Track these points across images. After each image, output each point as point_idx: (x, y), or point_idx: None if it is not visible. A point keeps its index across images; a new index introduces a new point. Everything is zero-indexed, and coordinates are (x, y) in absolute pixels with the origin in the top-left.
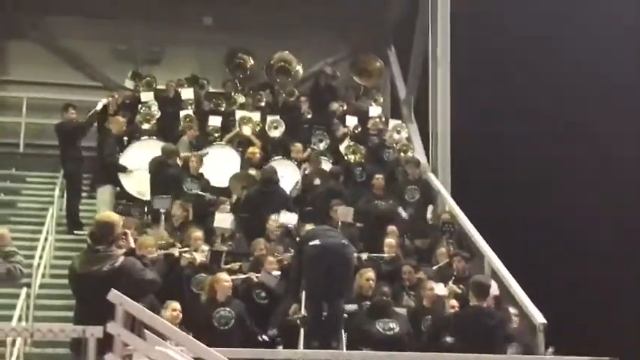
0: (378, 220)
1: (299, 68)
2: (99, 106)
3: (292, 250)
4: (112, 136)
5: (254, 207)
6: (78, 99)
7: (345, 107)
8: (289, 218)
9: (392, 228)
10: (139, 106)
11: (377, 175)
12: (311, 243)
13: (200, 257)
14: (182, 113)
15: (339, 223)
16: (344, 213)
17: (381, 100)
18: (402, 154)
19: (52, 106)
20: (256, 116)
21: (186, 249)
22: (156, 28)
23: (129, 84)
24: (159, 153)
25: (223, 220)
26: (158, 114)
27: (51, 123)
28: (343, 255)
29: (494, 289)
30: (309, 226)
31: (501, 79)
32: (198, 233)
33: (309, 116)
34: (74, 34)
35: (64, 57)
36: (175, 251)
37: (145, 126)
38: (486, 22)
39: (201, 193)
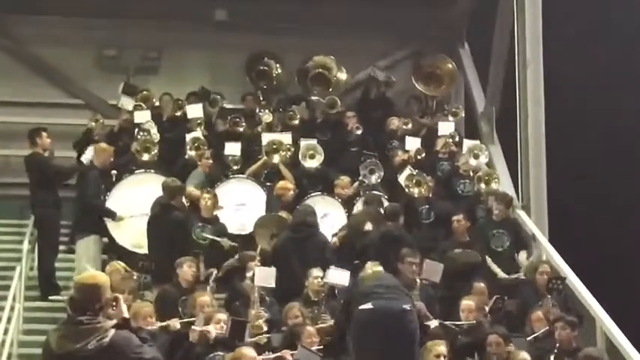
0: (459, 275)
1: (342, 76)
2: (87, 157)
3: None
4: (96, 169)
5: (284, 260)
6: (53, 122)
7: (409, 125)
8: (338, 277)
9: (480, 286)
10: (136, 130)
11: (456, 217)
12: (362, 306)
13: (216, 330)
14: (189, 136)
15: (418, 282)
16: (432, 270)
17: (462, 113)
18: (483, 185)
19: (18, 132)
20: (287, 138)
21: (192, 319)
22: (152, 28)
23: (126, 102)
24: (158, 191)
25: (267, 276)
26: (157, 138)
27: (18, 155)
28: (403, 325)
29: None
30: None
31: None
32: (204, 298)
33: (359, 132)
34: (48, 39)
35: (35, 67)
36: (175, 323)
37: (145, 157)
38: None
39: (216, 238)
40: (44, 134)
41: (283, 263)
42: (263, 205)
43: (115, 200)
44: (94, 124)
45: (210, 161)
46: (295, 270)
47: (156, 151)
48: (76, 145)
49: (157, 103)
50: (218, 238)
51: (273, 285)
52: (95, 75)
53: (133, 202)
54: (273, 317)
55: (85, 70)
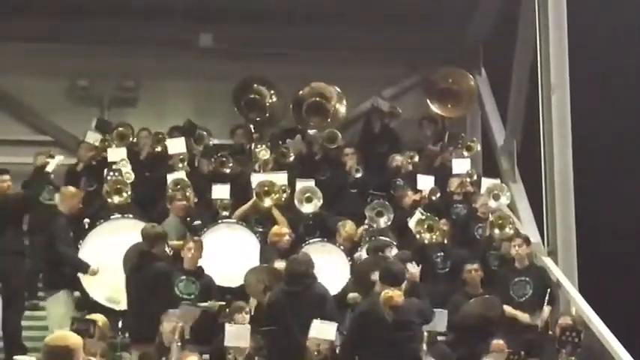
0: (474, 331)
1: (341, 107)
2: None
3: None
4: (64, 216)
5: (279, 317)
6: (17, 161)
7: (415, 158)
8: (324, 331)
9: (498, 343)
10: (105, 170)
11: (469, 266)
12: None
13: None
14: (170, 177)
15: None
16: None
17: (478, 147)
18: (497, 230)
19: None
20: (281, 179)
21: None
22: (129, 54)
23: (91, 137)
24: (138, 238)
25: (237, 335)
26: (131, 178)
27: None
28: None
29: None
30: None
31: None
32: (191, 359)
33: (359, 175)
34: (11, 67)
35: None
36: None
37: (116, 199)
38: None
39: (205, 305)
40: (3, 177)
41: (278, 321)
42: (255, 254)
43: (88, 251)
44: (49, 160)
45: (184, 202)
46: (292, 328)
47: (128, 193)
48: (25, 186)
49: (135, 140)
50: (206, 304)
51: (246, 345)
52: (65, 108)
53: (110, 253)
54: None
55: (54, 102)
